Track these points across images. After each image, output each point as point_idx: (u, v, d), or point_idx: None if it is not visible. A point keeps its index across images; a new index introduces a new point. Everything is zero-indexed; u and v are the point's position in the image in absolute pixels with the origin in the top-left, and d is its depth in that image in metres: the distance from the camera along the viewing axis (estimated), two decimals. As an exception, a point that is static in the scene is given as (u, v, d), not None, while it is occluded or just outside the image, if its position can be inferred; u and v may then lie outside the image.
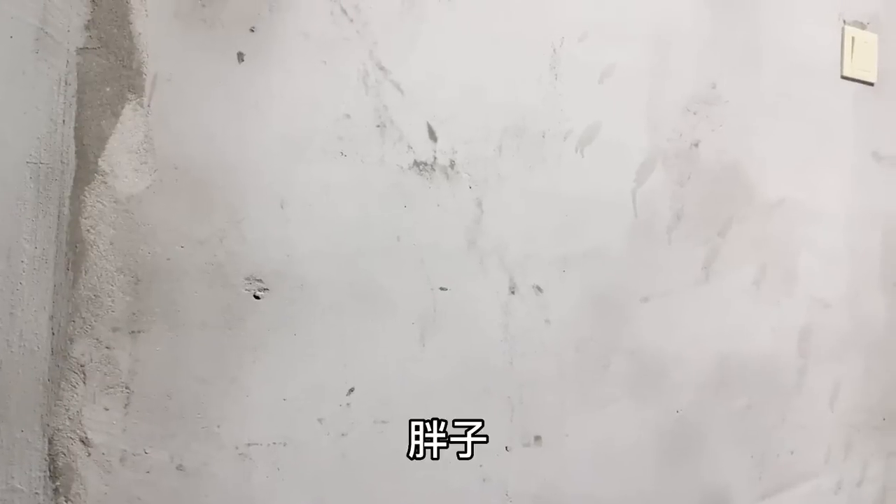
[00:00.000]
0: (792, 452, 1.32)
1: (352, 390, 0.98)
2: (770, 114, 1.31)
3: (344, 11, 0.98)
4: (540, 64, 1.11)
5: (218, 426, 0.90)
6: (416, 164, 1.02)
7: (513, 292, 1.09)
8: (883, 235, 1.41)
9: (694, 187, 1.24)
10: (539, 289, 1.11)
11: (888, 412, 1.43)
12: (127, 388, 0.86)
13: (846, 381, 1.36)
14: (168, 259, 0.87)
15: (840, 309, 1.36)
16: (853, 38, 1.37)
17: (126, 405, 0.85)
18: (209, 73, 0.89)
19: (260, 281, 0.92)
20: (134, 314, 0.86)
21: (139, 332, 0.86)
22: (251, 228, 0.92)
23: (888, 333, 1.42)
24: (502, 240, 1.08)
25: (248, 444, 0.92)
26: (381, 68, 1.00)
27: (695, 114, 1.24)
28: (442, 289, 1.04)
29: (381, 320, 1.00)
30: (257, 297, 0.92)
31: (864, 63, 1.39)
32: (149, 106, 0.86)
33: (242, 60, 0.91)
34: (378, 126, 1.00)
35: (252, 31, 0.92)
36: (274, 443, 0.94)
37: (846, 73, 1.37)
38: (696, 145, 1.24)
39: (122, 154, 0.85)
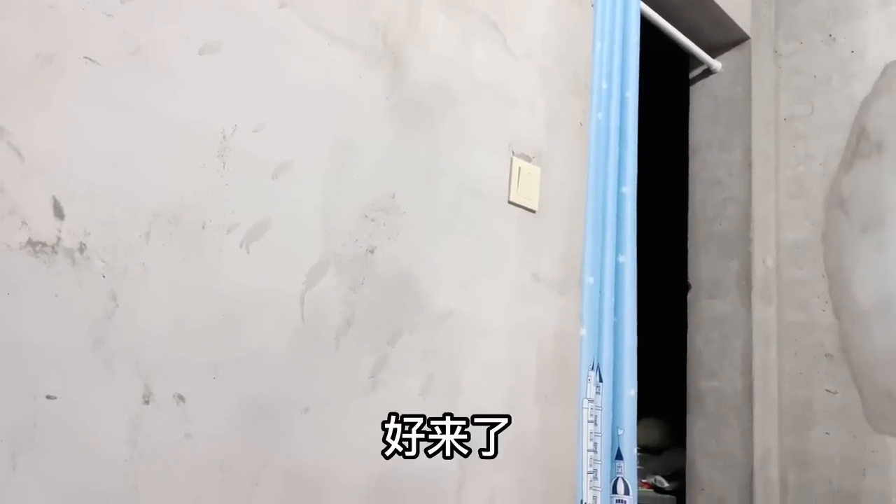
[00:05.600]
0: (447, 569, 1.30)
1: None
2: (444, 228, 1.36)
3: (-51, 52, 0.80)
4: (206, 149, 1.03)
5: None
6: (32, 243, 0.85)
7: (147, 402, 0.94)
8: (538, 351, 1.52)
9: (367, 294, 1.22)
10: (181, 398, 0.97)
11: (539, 520, 1.50)
12: None
13: (501, 492, 1.41)
14: None
15: (498, 420, 1.42)
16: (520, 169, 1.51)
17: None
18: None
19: None
20: None
21: None
22: None
23: (541, 443, 1.51)
24: (140, 340, 0.94)
25: None
26: (-3, 126, 0.83)
27: (372, 220, 1.24)
28: (49, 397, 0.85)
29: (-47, 437, 0.78)
30: None
31: (527, 192, 1.53)
32: None
33: None
34: (-19, 194, 0.82)
35: None
36: None
37: (512, 199, 1.49)
38: (372, 252, 1.23)
39: None
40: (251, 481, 1.04)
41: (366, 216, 1.23)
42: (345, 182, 1.21)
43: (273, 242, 1.10)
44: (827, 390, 2.14)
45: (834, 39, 2.32)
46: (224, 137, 1.05)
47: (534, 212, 1.55)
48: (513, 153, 1.52)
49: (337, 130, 1.20)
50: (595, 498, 1.63)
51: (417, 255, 1.31)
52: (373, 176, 1.25)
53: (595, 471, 1.64)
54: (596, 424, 1.67)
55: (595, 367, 1.69)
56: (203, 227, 1.01)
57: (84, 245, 0.89)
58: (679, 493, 2.33)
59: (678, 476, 2.37)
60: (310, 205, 1.16)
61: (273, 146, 1.11)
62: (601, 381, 1.70)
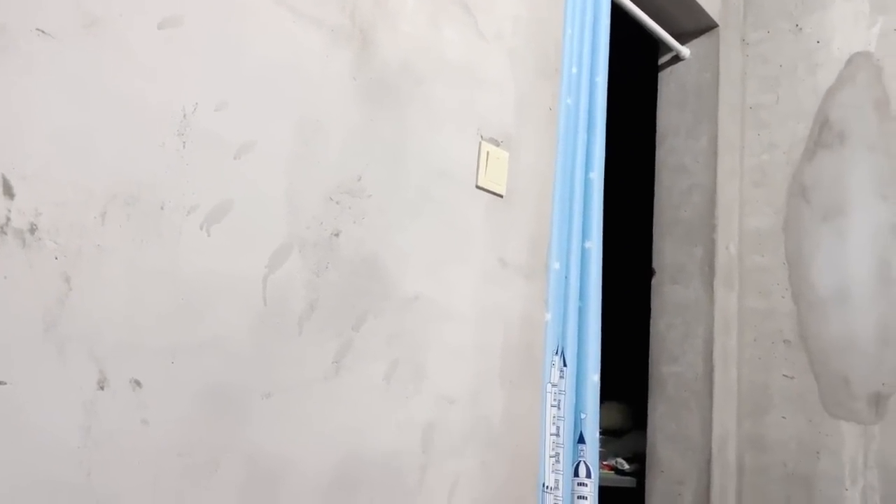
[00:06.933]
0: (409, 553, 1.31)
1: None
2: (411, 212, 1.34)
3: None
4: (166, 128, 0.99)
5: None
6: (-21, 224, 0.82)
7: (102, 387, 0.91)
8: (503, 335, 1.52)
9: (331, 278, 1.20)
10: (138, 383, 0.95)
11: None
12: None
13: (464, 477, 1.41)
14: None
15: (463, 405, 1.42)
16: (488, 153, 1.50)
17: None
18: None
19: None
20: None
21: None
22: None
23: (504, 428, 1.52)
24: (94, 324, 0.91)
25: None
26: (-60, 100, 0.79)
27: (338, 203, 1.22)
28: (-1, 383, 0.83)
29: None
30: None
31: (496, 176, 1.52)
32: None
33: None
34: (-77, 171, 0.78)
35: None
36: None
37: (480, 184, 1.48)
38: (337, 235, 1.22)
39: None
40: (210, 468, 1.02)
41: (331, 199, 1.21)
42: (310, 164, 1.18)
43: (235, 225, 1.07)
44: (784, 375, 2.19)
45: (800, 29, 2.34)
46: (184, 116, 1.01)
47: (501, 197, 1.54)
48: (481, 137, 1.50)
49: (302, 110, 1.17)
50: (557, 481, 1.64)
51: (383, 239, 1.29)
52: (338, 158, 1.23)
53: (558, 454, 1.66)
54: (559, 409, 1.68)
55: (559, 352, 1.70)
56: (162, 209, 0.98)
57: (35, 226, 0.86)
58: (639, 475, 2.37)
59: (639, 458, 2.41)
60: (273, 187, 1.13)
61: (235, 126, 1.08)
62: (565, 365, 1.71)
